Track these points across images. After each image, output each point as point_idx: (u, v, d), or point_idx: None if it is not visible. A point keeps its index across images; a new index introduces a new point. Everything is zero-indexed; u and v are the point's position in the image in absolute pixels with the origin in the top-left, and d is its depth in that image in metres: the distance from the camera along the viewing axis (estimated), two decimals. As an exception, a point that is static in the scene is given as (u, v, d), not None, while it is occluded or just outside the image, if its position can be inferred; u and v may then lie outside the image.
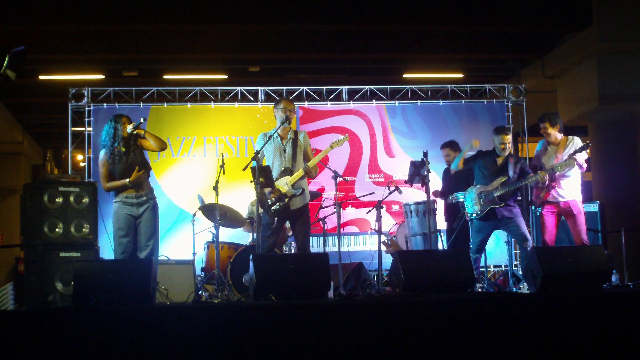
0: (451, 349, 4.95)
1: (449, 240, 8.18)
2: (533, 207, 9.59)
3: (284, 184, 6.76)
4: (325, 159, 8.81)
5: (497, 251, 9.86)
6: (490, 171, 7.49)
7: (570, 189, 7.34)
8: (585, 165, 7.38)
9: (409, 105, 10.83)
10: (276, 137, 6.88)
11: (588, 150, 7.26)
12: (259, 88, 10.70)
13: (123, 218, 6.68)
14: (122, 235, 6.67)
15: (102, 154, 6.78)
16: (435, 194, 8.65)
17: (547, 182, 7.24)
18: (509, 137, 7.53)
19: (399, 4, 10.82)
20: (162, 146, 6.91)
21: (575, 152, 7.24)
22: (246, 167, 6.63)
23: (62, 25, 10.89)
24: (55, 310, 5.61)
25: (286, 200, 6.73)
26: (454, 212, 8.23)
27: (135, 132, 6.75)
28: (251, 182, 6.65)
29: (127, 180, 6.65)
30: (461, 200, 7.85)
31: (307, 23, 11.14)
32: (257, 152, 6.68)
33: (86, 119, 10.20)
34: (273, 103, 7.20)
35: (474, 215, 7.47)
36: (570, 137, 7.49)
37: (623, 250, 8.18)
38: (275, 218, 6.78)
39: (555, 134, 7.46)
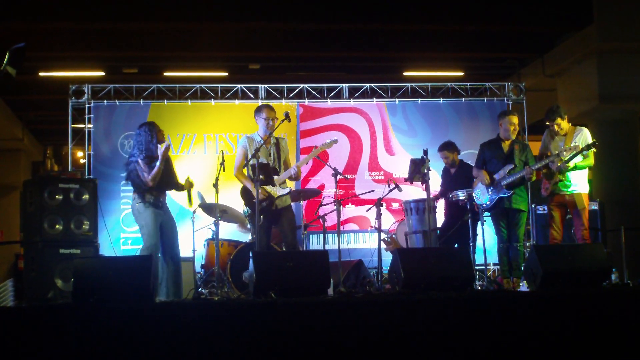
0: (451, 347, 4.96)
1: (442, 237, 8.16)
2: (533, 205, 9.60)
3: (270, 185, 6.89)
4: (326, 157, 8.80)
5: (496, 249, 9.82)
6: (498, 159, 7.55)
7: (577, 182, 7.34)
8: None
9: (409, 103, 10.82)
10: (259, 141, 6.96)
11: (594, 149, 7.25)
12: (259, 85, 10.68)
13: None
14: None
15: None
16: (435, 197, 8.61)
17: (530, 178, 7.29)
18: (516, 118, 7.54)
19: (400, 2, 10.80)
20: (150, 182, 6.96)
21: (582, 149, 7.21)
22: (244, 166, 6.64)
23: (62, 23, 10.86)
24: (54, 307, 5.61)
25: (275, 200, 6.86)
26: (455, 210, 8.22)
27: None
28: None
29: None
30: (462, 198, 7.85)
31: (308, 21, 11.12)
32: (257, 150, 6.70)
33: (86, 116, 10.21)
34: (273, 101, 7.21)
35: (484, 205, 7.50)
36: (578, 127, 7.50)
37: (623, 249, 8.19)
38: (262, 217, 6.84)
39: (566, 126, 7.48)
